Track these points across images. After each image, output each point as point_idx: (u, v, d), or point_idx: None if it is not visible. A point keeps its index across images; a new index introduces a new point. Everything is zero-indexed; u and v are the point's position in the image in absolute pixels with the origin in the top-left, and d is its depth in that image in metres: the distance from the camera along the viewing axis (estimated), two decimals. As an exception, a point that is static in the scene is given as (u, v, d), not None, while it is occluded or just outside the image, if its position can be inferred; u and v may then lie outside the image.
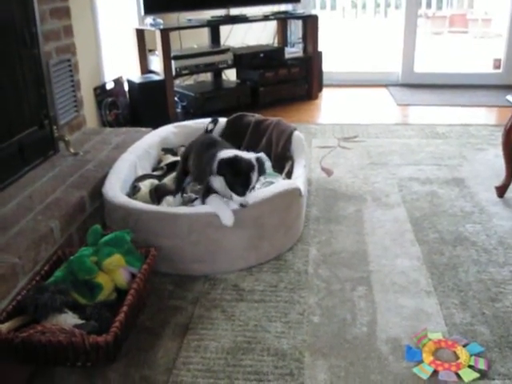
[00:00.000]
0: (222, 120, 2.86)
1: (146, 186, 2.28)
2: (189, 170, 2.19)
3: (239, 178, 1.91)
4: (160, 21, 3.80)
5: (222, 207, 1.92)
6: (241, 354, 1.59)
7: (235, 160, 1.92)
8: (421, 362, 1.54)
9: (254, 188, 1.97)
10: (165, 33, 3.63)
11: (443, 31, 8.20)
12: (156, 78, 3.77)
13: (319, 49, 4.47)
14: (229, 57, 4.08)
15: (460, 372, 1.50)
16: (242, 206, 1.91)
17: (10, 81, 2.19)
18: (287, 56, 4.38)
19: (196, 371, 1.53)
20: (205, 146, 2.13)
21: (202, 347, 1.62)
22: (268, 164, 2.55)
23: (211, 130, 2.53)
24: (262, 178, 2.37)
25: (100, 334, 1.49)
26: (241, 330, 1.69)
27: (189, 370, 1.53)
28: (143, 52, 4.01)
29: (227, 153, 1.97)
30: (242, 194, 1.91)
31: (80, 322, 1.58)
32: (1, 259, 1.66)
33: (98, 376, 1.52)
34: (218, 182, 1.95)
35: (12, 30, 2.21)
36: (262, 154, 2.56)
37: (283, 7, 4.72)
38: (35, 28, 2.34)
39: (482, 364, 1.52)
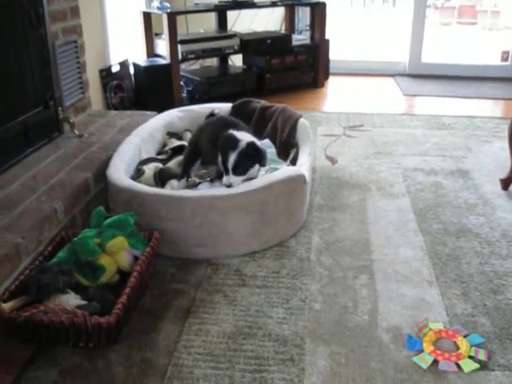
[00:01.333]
0: (227, 105, 2.85)
1: (150, 169, 2.27)
2: (199, 154, 2.19)
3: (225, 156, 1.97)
4: (167, 4, 3.78)
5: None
6: (242, 338, 1.59)
7: (228, 138, 1.97)
8: (421, 351, 1.54)
9: (242, 172, 1.99)
10: (172, 16, 3.61)
11: (451, 22, 8.15)
12: (162, 61, 3.76)
13: (326, 37, 4.45)
14: (235, 42, 4.06)
15: (460, 362, 1.50)
16: (227, 186, 1.97)
17: (15, 61, 2.19)
18: (294, 43, 4.35)
19: (197, 355, 1.53)
20: (220, 126, 2.12)
21: (204, 331, 1.62)
22: (273, 150, 2.55)
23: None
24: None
25: (102, 316, 1.50)
26: (242, 315, 1.69)
27: (190, 354, 1.53)
28: (149, 35, 3.99)
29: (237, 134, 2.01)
30: (224, 172, 1.97)
31: (82, 302, 1.58)
32: (4, 239, 1.66)
33: (99, 357, 1.53)
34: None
35: (19, 10, 2.20)
36: (266, 141, 2.58)
37: (291, -7, 4.70)
38: (42, 8, 2.33)
39: (482, 355, 1.52)
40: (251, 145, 1.99)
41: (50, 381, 1.45)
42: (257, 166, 2.04)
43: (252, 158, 1.99)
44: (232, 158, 1.96)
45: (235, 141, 1.98)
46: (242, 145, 1.97)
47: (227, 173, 1.97)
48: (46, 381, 1.45)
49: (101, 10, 3.37)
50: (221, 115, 2.35)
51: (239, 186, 1.96)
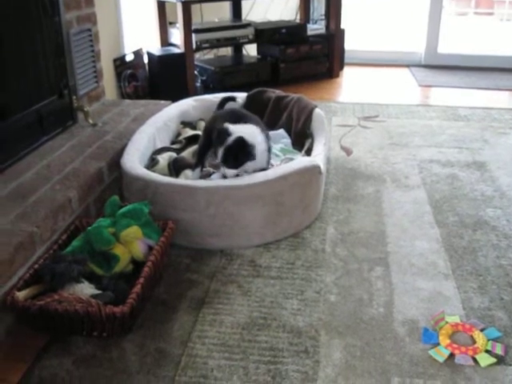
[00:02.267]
0: (242, 95, 2.83)
1: (164, 158, 2.27)
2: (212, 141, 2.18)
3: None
4: (182, -7, 3.76)
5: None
6: (256, 329, 1.58)
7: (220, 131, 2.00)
8: (437, 344, 1.53)
9: (233, 166, 1.99)
10: (186, 5, 3.59)
11: (468, 12, 8.05)
12: (176, 51, 3.74)
13: (342, 26, 4.41)
14: (250, 31, 4.02)
15: (477, 356, 1.48)
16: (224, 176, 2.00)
17: (30, 49, 2.18)
18: (309, 33, 4.31)
19: (211, 345, 1.52)
20: (233, 118, 2.11)
21: (218, 321, 1.62)
22: (287, 141, 2.53)
23: (222, 106, 2.55)
24: (281, 155, 2.36)
25: (116, 305, 1.50)
26: (257, 306, 1.68)
27: (204, 344, 1.53)
28: (164, 24, 3.97)
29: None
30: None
31: (97, 292, 1.58)
32: (19, 228, 1.66)
33: (113, 346, 1.53)
34: None
35: (34, -2, 2.19)
36: (281, 131, 2.56)
37: (307, -18, 4.65)
38: (56, -4, 2.32)
39: (499, 349, 1.50)
40: (238, 140, 1.96)
41: (63, 370, 1.45)
42: (261, 160, 2.03)
43: (238, 152, 1.96)
44: (220, 151, 1.97)
45: (225, 134, 1.97)
46: (230, 140, 1.96)
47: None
48: (60, 369, 1.45)
49: (115, -2, 3.36)
50: (233, 107, 2.34)
51: (232, 177, 1.98)
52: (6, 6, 2.02)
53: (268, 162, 2.10)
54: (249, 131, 2.03)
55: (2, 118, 2.00)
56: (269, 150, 2.10)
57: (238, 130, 2.01)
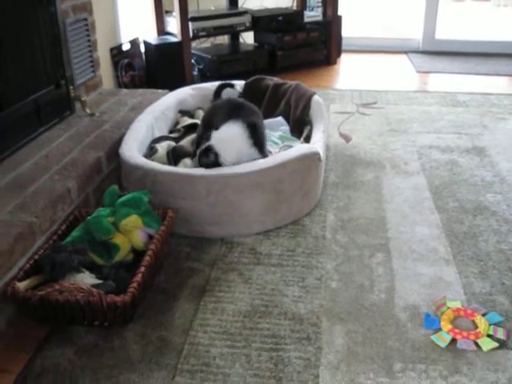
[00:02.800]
0: (240, 83, 2.81)
1: (163, 147, 2.25)
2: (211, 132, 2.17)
3: None
4: (178, -19, 3.73)
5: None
6: (258, 317, 1.58)
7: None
8: (439, 329, 1.53)
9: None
10: (182, -7, 3.57)
11: (465, -3, 8.01)
12: (173, 39, 3.72)
13: (339, 13, 4.38)
14: (247, 19, 4.00)
15: (479, 341, 1.48)
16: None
17: (26, 39, 2.17)
18: (306, 20, 4.28)
19: (213, 333, 1.52)
20: (228, 111, 2.10)
21: (219, 309, 1.61)
22: (286, 128, 2.52)
23: (219, 93, 2.53)
24: (279, 142, 2.35)
25: (117, 295, 1.49)
26: (258, 294, 1.68)
27: (206, 332, 1.53)
28: (160, 13, 3.94)
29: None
30: None
31: (97, 281, 1.57)
32: (18, 218, 1.65)
33: (114, 335, 1.53)
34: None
35: (29, -14, 2.17)
36: (280, 118, 2.55)
37: (303, -31, 4.62)
38: (52, -15, 2.30)
39: (501, 333, 1.50)
40: (206, 149, 1.97)
41: (65, 359, 1.45)
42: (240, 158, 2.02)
43: (203, 161, 1.98)
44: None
45: (205, 140, 2.01)
46: (202, 146, 1.98)
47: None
48: (62, 359, 1.45)
49: (111, -13, 3.34)
50: (231, 97, 2.31)
51: None
52: (0, -5, 2.00)
53: (261, 154, 2.08)
54: (227, 136, 2.02)
55: (0, 108, 1.99)
56: (258, 143, 2.07)
57: (216, 135, 2.01)
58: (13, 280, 1.53)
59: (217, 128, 2.06)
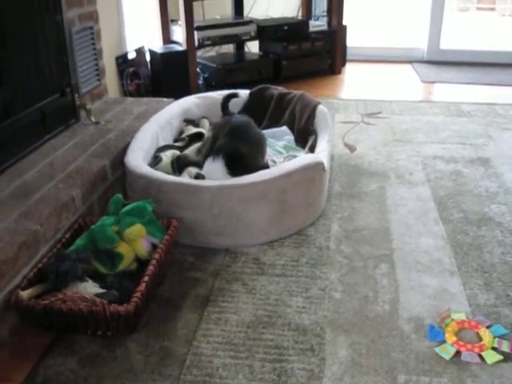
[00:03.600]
0: (245, 92, 2.82)
1: (167, 156, 2.26)
2: None
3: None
4: (184, -10, 3.75)
5: None
6: (261, 327, 1.58)
7: None
8: (443, 342, 1.52)
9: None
10: (188, 2, 3.57)
11: (470, 7, 8.02)
12: (178, 48, 3.73)
13: (344, 23, 4.39)
14: (252, 28, 4.01)
15: (483, 354, 1.47)
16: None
17: (32, 47, 2.18)
18: (311, 29, 4.29)
19: (216, 344, 1.52)
20: (233, 129, 2.13)
21: (223, 320, 1.61)
22: (291, 138, 2.52)
23: (226, 107, 2.52)
24: (284, 152, 2.35)
25: (121, 304, 1.49)
26: (261, 304, 1.67)
27: (209, 343, 1.52)
28: (166, 22, 3.96)
29: None
30: None
31: (101, 291, 1.57)
32: (22, 226, 1.66)
33: (117, 345, 1.52)
34: None
35: (36, -5, 2.18)
36: (284, 128, 2.55)
37: (308, -21, 4.64)
38: (58, -7, 2.31)
39: (505, 346, 1.49)
40: (196, 176, 2.02)
41: (68, 369, 1.45)
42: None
43: None
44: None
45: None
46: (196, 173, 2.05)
47: None
48: (65, 369, 1.45)
49: (117, -5, 3.35)
50: (237, 119, 2.29)
51: None
52: (8, 3, 2.01)
53: None
54: (210, 170, 2.04)
55: (5, 116, 2.00)
56: (237, 173, 2.02)
57: (205, 167, 2.06)
58: (16, 288, 1.53)
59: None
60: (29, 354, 1.50)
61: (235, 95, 2.60)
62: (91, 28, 2.69)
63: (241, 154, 2.06)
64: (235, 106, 2.68)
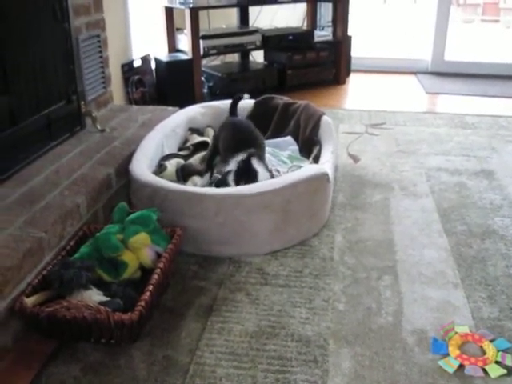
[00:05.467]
0: (250, 101, 2.82)
1: (172, 165, 2.26)
2: (218, 150, 2.18)
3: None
4: (190, -1, 3.77)
5: None
6: (265, 338, 1.58)
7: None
8: (447, 355, 1.51)
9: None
10: (194, 11, 3.60)
11: (474, 19, 8.05)
12: (183, 57, 3.75)
13: (349, 33, 4.41)
14: (257, 38, 4.03)
15: (487, 367, 1.47)
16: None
17: (39, 55, 2.19)
18: (316, 39, 4.31)
19: (219, 353, 1.52)
20: (235, 130, 2.13)
21: (226, 330, 1.61)
22: (295, 148, 2.53)
23: (234, 108, 2.51)
24: (288, 162, 2.36)
25: (124, 312, 1.49)
26: (265, 314, 1.67)
27: (212, 352, 1.52)
28: (171, 30, 3.98)
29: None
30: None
31: (105, 299, 1.57)
32: (27, 233, 1.66)
33: (121, 354, 1.52)
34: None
35: (43, 3, 2.19)
36: (289, 138, 2.56)
37: (314, -11, 4.65)
38: (66, 1, 2.32)
39: (509, 360, 1.49)
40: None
41: (71, 376, 1.45)
42: None
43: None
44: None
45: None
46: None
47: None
48: (68, 376, 1.45)
49: (123, 4, 3.37)
50: (240, 121, 2.31)
51: None
52: (15, 11, 2.02)
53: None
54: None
55: (12, 123, 2.01)
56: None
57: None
58: (21, 295, 1.53)
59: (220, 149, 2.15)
60: (32, 361, 1.50)
61: (240, 98, 2.59)
62: (98, 36, 2.71)
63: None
64: (242, 112, 2.68)
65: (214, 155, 2.20)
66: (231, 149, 2.13)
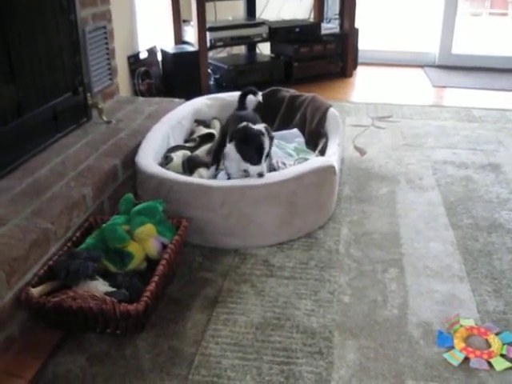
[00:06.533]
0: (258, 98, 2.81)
1: (178, 156, 2.27)
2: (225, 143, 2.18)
3: (252, 146, 1.95)
4: (196, -9, 3.75)
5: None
6: (270, 329, 1.58)
7: (245, 128, 1.99)
8: (452, 348, 1.52)
9: (268, 156, 2.02)
10: (201, 3, 3.59)
11: (482, 12, 8.00)
12: (190, 48, 3.74)
13: (356, 26, 4.39)
14: (264, 30, 4.01)
15: (492, 360, 1.47)
16: (260, 175, 1.94)
17: (46, 46, 2.19)
18: (323, 32, 4.29)
19: (224, 344, 1.52)
20: (241, 122, 2.12)
21: (231, 321, 1.61)
22: (301, 140, 2.52)
23: (243, 101, 2.48)
24: (294, 154, 2.35)
25: (130, 303, 1.50)
26: (270, 306, 1.68)
27: (217, 343, 1.53)
28: (178, 22, 3.97)
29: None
30: (256, 161, 1.94)
31: (111, 289, 1.58)
32: (34, 224, 1.66)
33: (126, 344, 1.53)
34: (232, 153, 2.01)
35: (50, -6, 2.20)
36: (295, 130, 2.55)
37: (321, -19, 4.63)
38: (73, -7, 2.32)
39: (514, 353, 1.49)
40: (267, 128, 2.04)
41: (77, 366, 1.46)
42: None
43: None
44: (266, 144, 1.98)
45: (259, 130, 2.01)
46: (263, 130, 2.01)
47: (256, 161, 1.95)
48: (74, 366, 1.46)
49: (130, -5, 3.37)
50: (246, 114, 2.29)
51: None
52: (22, 2, 2.02)
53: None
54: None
55: (18, 114, 2.01)
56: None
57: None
58: (27, 285, 1.54)
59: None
60: (38, 351, 1.51)
61: (253, 92, 2.48)
62: (104, 27, 2.71)
63: None
64: (249, 105, 2.65)
65: (221, 148, 2.19)
66: None
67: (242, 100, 2.44)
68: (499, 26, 7.38)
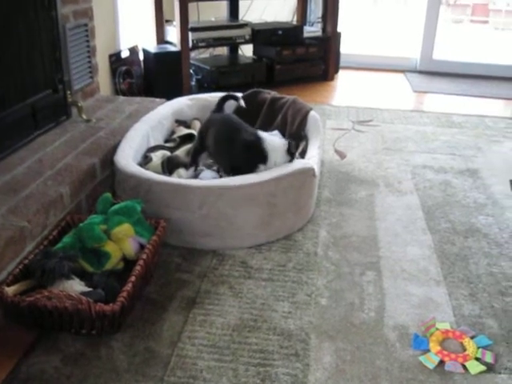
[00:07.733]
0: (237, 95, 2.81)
1: (157, 156, 2.25)
2: (206, 146, 2.17)
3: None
4: (179, -9, 3.74)
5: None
6: (247, 331, 1.58)
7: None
8: (427, 351, 1.53)
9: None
10: (183, 3, 3.57)
11: (464, 19, 8.08)
12: (172, 48, 3.72)
13: (338, 29, 4.41)
14: (246, 32, 4.01)
15: (467, 364, 1.48)
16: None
17: (25, 42, 2.16)
18: (306, 35, 4.30)
19: (201, 346, 1.51)
20: (226, 125, 2.12)
21: (208, 322, 1.61)
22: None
23: (222, 105, 2.45)
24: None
25: (106, 303, 1.48)
26: (247, 308, 1.67)
27: (194, 345, 1.52)
28: (160, 22, 3.95)
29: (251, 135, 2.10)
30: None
31: (87, 289, 1.56)
32: (9, 222, 1.64)
33: (102, 345, 1.52)
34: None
35: (31, -10, 2.17)
36: (276, 132, 2.55)
37: (304, -16, 4.65)
38: (54, -11, 2.30)
39: (489, 357, 1.50)
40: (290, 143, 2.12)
41: (51, 367, 1.44)
42: None
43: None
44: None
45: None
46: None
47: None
48: (48, 367, 1.44)
49: (112, -6, 3.34)
50: (229, 116, 2.27)
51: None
52: (2, -2, 2.00)
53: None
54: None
55: (-4, 110, 1.99)
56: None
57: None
58: (1, 284, 1.52)
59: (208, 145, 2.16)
60: (12, 350, 1.49)
61: (234, 97, 2.47)
62: (85, 25, 2.68)
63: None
64: (228, 108, 2.65)
65: (199, 151, 2.19)
66: (223, 144, 2.13)
67: (221, 104, 2.42)
68: (480, 34, 7.46)
